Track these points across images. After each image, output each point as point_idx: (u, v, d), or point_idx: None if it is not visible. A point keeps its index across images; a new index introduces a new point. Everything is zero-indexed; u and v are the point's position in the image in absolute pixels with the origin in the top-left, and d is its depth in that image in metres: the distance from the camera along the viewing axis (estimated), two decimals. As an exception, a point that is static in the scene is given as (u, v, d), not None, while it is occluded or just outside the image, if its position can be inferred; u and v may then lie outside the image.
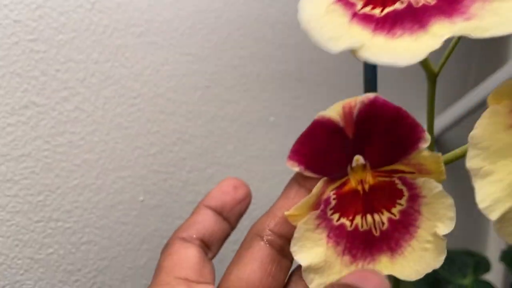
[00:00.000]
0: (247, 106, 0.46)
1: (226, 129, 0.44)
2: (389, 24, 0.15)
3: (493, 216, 0.15)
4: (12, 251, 0.33)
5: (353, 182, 0.24)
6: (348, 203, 0.24)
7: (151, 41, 0.38)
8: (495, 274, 0.74)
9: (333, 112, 0.23)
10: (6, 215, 0.32)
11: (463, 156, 0.24)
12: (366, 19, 0.15)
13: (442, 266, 0.23)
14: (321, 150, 0.23)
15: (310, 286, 0.23)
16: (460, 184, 0.70)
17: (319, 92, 0.52)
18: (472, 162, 0.15)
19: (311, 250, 0.23)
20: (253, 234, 0.24)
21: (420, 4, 0.15)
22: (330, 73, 0.52)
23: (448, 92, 0.61)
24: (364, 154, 0.24)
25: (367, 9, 0.15)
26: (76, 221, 0.36)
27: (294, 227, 0.24)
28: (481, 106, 0.51)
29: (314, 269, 0.23)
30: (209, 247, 0.26)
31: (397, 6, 0.15)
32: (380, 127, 0.22)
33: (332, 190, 0.24)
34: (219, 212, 0.26)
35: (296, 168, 0.24)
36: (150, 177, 0.40)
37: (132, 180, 0.38)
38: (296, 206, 0.24)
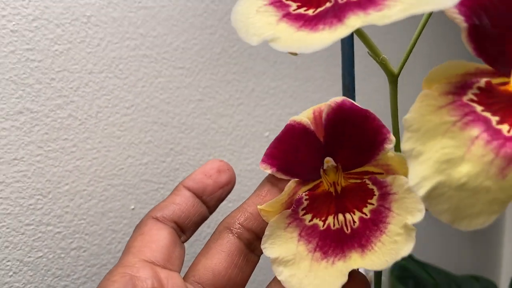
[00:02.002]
0: (241, 121, 0.47)
1: (219, 142, 0.45)
2: (315, 21, 0.16)
3: (421, 192, 0.15)
4: (2, 253, 0.34)
5: (325, 184, 0.25)
6: (321, 204, 0.24)
7: (145, 54, 0.40)
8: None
9: (304, 116, 0.24)
10: (-4, 217, 0.33)
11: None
12: (298, 18, 0.17)
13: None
14: (293, 153, 0.24)
15: (279, 277, 0.23)
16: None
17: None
18: (405, 145, 0.16)
19: (281, 247, 0.24)
20: (223, 227, 0.25)
21: (345, 0, 0.16)
22: (325, 91, 0.53)
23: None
24: (335, 157, 0.24)
25: (301, 10, 0.17)
26: (66, 226, 0.36)
27: (263, 223, 0.25)
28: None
29: (284, 262, 0.23)
30: (183, 230, 0.25)
31: (327, 5, 0.17)
32: (348, 130, 0.23)
33: (304, 192, 0.25)
34: (198, 195, 0.25)
35: (268, 171, 0.24)
36: (141, 186, 0.40)
37: (124, 189, 0.39)
38: (269, 202, 0.24)
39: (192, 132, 0.43)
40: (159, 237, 0.24)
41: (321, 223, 0.24)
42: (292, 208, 0.24)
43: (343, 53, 0.32)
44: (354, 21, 0.15)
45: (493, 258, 0.84)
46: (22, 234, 0.34)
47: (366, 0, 0.16)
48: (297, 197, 0.24)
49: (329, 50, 0.54)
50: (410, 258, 0.71)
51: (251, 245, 0.25)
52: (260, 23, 0.17)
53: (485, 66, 0.17)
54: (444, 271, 0.71)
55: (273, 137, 0.51)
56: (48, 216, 0.35)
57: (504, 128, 0.15)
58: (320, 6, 0.17)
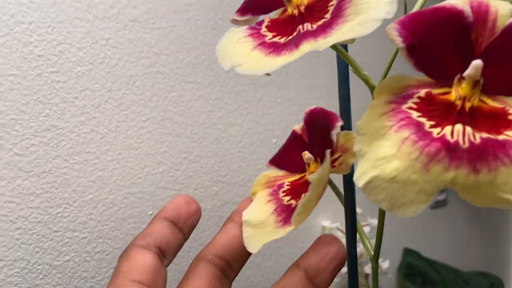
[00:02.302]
0: (250, 129, 0.50)
1: (229, 150, 0.48)
2: (281, 47, 0.20)
3: (359, 184, 0.18)
4: (33, 257, 0.37)
5: (308, 174, 0.29)
6: (300, 189, 0.29)
7: (159, 71, 0.43)
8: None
9: (297, 127, 0.30)
10: (28, 225, 0.36)
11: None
12: (270, 45, 0.20)
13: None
14: (289, 154, 0.29)
15: (244, 235, 0.27)
16: (485, 215, 0.71)
17: (320, 116, 0.56)
18: (356, 146, 0.19)
19: (255, 213, 0.28)
20: (198, 258, 0.27)
21: (305, 30, 0.20)
22: (329, 97, 0.56)
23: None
24: (315, 152, 0.29)
25: (276, 39, 0.21)
26: (91, 232, 0.40)
27: (233, 253, 0.28)
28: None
29: (251, 224, 0.27)
30: (165, 255, 0.28)
31: (294, 34, 0.20)
32: (317, 127, 0.28)
33: (289, 181, 0.29)
34: (175, 223, 0.28)
35: (268, 166, 0.30)
36: (158, 193, 0.44)
37: (142, 196, 0.42)
38: (254, 184, 0.29)
39: (204, 141, 0.46)
40: (145, 261, 0.26)
41: (294, 202, 0.28)
42: (273, 189, 0.28)
43: (338, 66, 0.34)
44: (305, 47, 0.19)
45: (501, 256, 0.86)
46: (51, 240, 0.38)
47: (321, 29, 0.19)
48: (279, 183, 0.28)
49: (333, 60, 0.56)
50: (417, 255, 0.73)
51: (225, 271, 0.27)
52: (236, 51, 0.20)
53: (427, 79, 0.20)
54: (451, 267, 0.73)
55: (280, 143, 0.54)
56: (74, 223, 0.39)
57: (435, 131, 0.18)
58: (291, 35, 0.20)
